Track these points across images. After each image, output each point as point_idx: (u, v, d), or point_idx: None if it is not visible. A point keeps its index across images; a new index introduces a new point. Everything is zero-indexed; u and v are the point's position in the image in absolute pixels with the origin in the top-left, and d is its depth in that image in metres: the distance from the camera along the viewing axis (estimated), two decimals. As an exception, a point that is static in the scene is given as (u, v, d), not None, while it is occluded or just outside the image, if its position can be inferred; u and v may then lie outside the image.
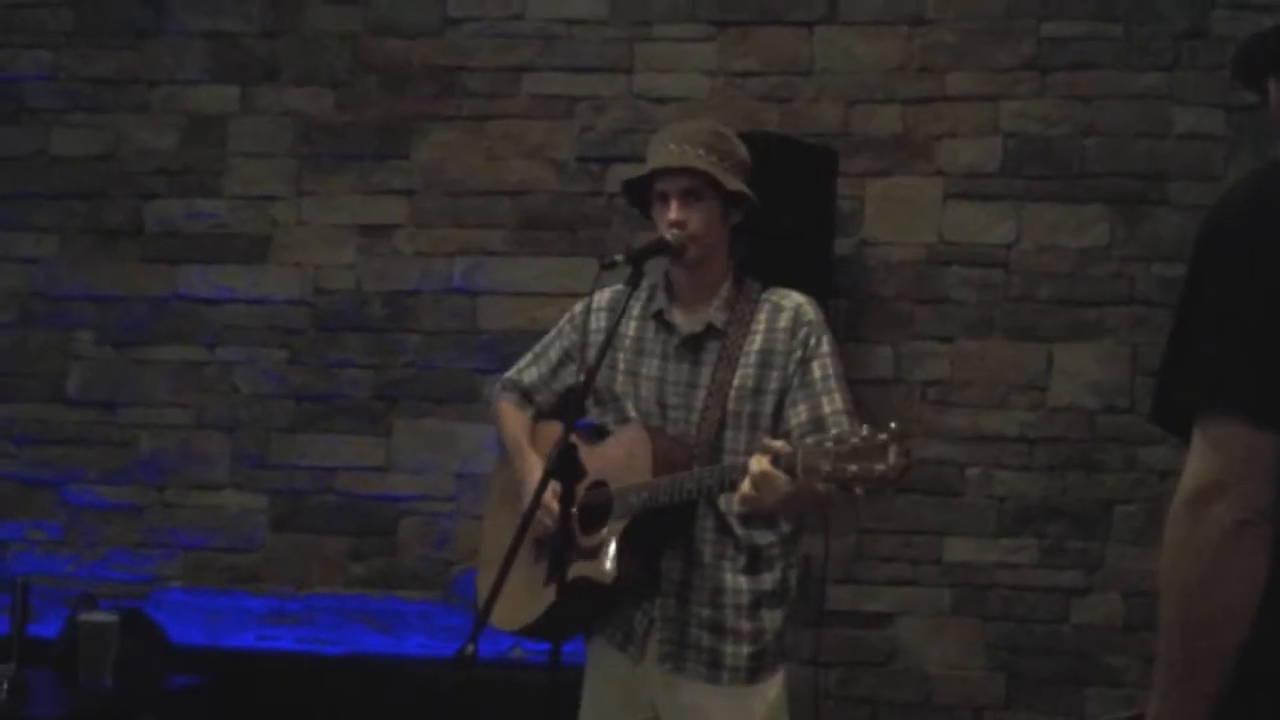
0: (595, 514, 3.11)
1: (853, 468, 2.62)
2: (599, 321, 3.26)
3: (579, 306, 3.34)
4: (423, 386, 5.04)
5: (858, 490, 2.70)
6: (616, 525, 3.06)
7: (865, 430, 2.68)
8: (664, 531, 3.08)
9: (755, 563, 3.09)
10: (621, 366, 3.22)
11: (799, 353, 3.09)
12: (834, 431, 2.81)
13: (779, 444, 2.77)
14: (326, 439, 5.07)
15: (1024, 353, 4.75)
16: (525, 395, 3.41)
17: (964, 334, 4.79)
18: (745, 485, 2.78)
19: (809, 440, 2.87)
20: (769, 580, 3.11)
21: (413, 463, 5.02)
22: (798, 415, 3.02)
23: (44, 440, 5.19)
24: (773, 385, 3.09)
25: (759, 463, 2.76)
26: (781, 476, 2.73)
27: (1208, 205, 1.97)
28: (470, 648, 2.67)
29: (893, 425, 2.63)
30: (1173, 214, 4.69)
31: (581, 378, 3.22)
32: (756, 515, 3.05)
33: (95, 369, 5.20)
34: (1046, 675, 4.69)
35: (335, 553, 5.04)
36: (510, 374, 3.46)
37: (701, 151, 3.11)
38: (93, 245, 5.22)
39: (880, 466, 2.59)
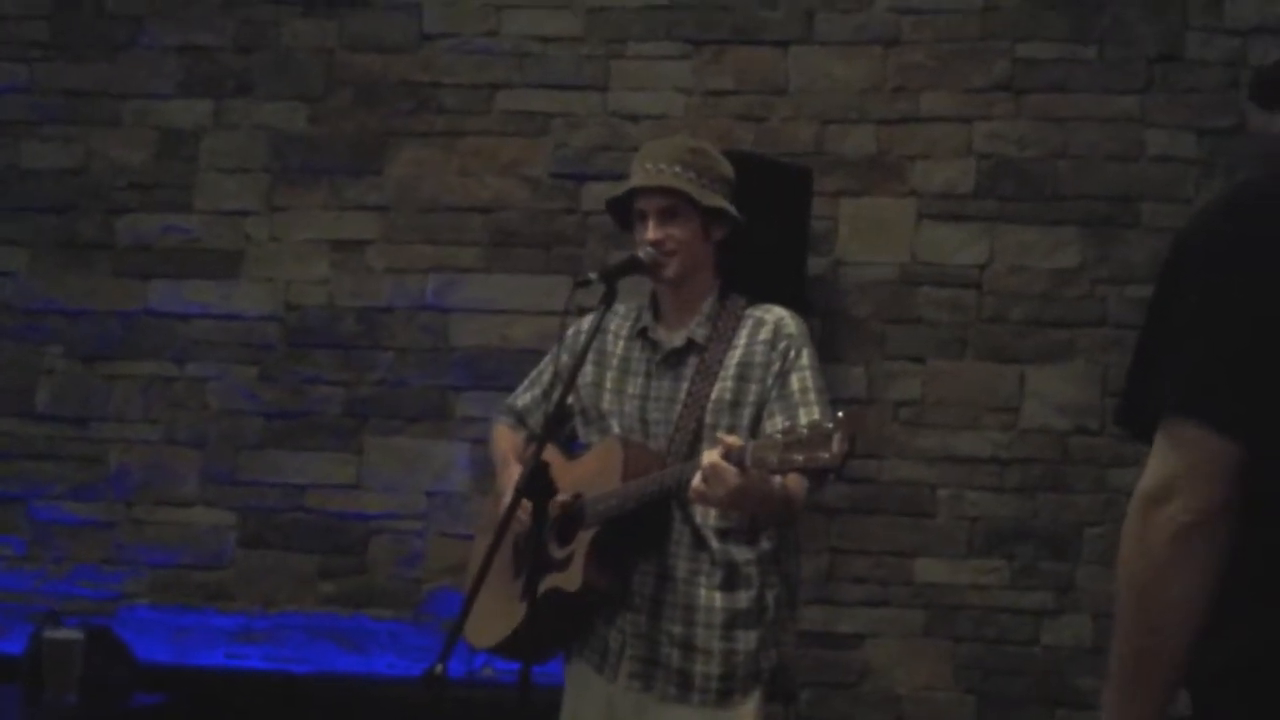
0: (570, 526, 3.10)
1: (799, 457, 2.64)
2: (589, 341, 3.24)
3: (571, 329, 3.34)
4: (394, 404, 5.02)
5: (805, 484, 2.81)
6: (586, 535, 3.05)
7: (814, 422, 2.70)
8: (636, 542, 3.06)
9: (731, 579, 3.07)
10: (609, 385, 3.22)
11: (778, 365, 3.08)
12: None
13: (731, 438, 2.78)
14: (297, 456, 5.04)
15: (996, 374, 4.76)
16: (519, 418, 3.42)
17: (936, 354, 4.80)
18: (696, 479, 2.78)
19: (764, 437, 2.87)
20: (745, 598, 3.08)
21: (383, 480, 5.00)
22: (774, 427, 2.99)
23: (11, 454, 5.15)
24: (751, 398, 3.08)
25: (709, 455, 2.77)
26: (730, 469, 2.73)
27: (1180, 228, 1.99)
28: (440, 667, 2.65)
29: (840, 414, 2.64)
30: (1145, 236, 4.70)
31: (569, 400, 3.22)
32: (734, 529, 3.05)
33: (64, 383, 5.16)
34: (1017, 696, 4.68)
35: (304, 571, 5.01)
36: (508, 399, 3.47)
37: (678, 169, 3.10)
38: (63, 259, 5.19)
39: (825, 455, 2.61)
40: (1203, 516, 1.81)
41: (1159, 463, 1.85)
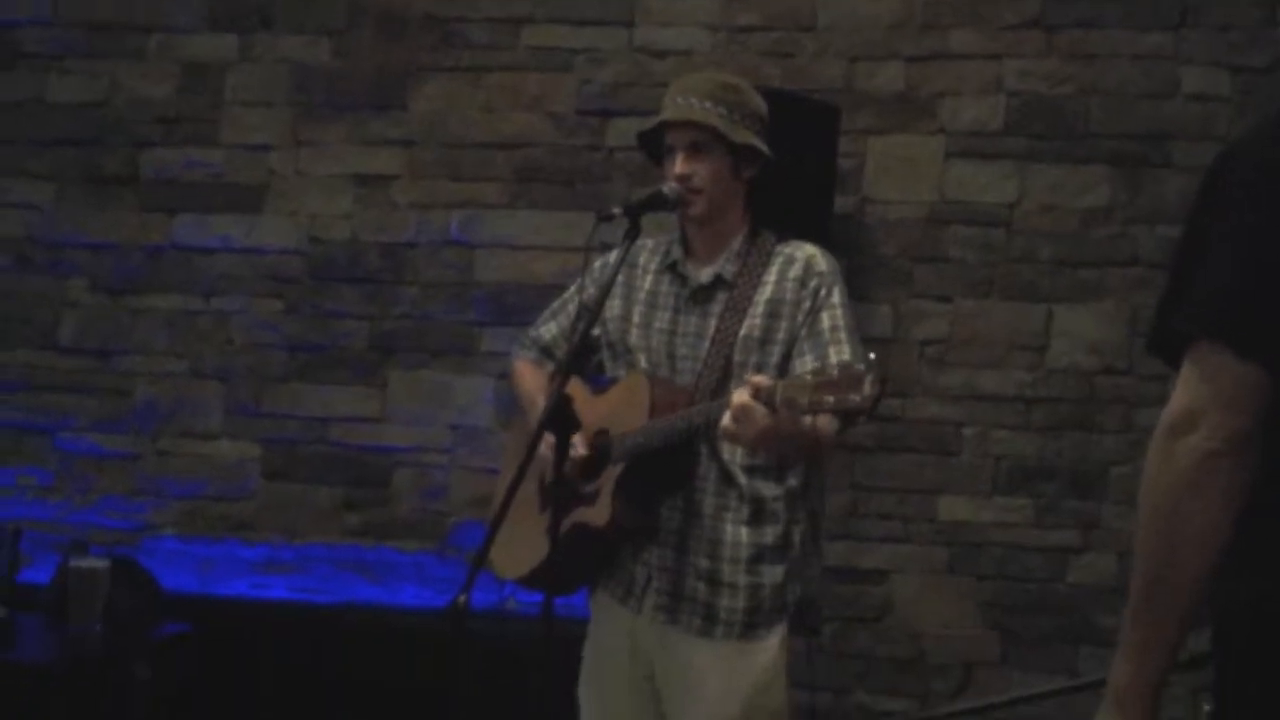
0: (598, 461, 3.10)
1: (829, 398, 2.61)
2: (618, 275, 3.21)
3: (598, 261, 3.31)
4: (418, 338, 5.02)
5: (835, 424, 2.77)
6: (613, 470, 3.05)
7: (845, 363, 2.68)
8: (663, 477, 3.06)
9: (758, 515, 3.06)
10: (636, 320, 3.20)
11: (808, 303, 3.05)
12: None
13: (761, 378, 2.76)
14: (321, 389, 5.05)
15: (1023, 313, 4.74)
16: (545, 351, 3.39)
17: (963, 294, 4.77)
18: (725, 418, 2.77)
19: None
20: (771, 534, 3.07)
21: (407, 414, 5.01)
22: (804, 365, 2.97)
23: (37, 386, 5.17)
24: (780, 335, 3.06)
25: (739, 395, 2.74)
26: (760, 409, 2.70)
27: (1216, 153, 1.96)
28: (463, 598, 2.65)
29: (871, 356, 2.62)
30: (1176, 176, 4.66)
31: (595, 332, 3.21)
32: (761, 466, 3.04)
33: (89, 316, 5.17)
34: (1040, 634, 4.69)
35: (329, 503, 5.03)
36: (530, 331, 3.44)
37: (709, 104, 3.07)
38: (88, 193, 5.19)
39: (855, 397, 2.58)
40: (1227, 445, 1.80)
41: (1185, 389, 1.83)
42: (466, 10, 5.03)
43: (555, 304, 3.44)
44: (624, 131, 4.70)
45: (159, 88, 5.17)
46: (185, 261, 5.13)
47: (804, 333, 3.04)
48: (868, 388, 2.58)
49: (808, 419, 2.78)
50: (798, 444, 2.91)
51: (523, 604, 4.56)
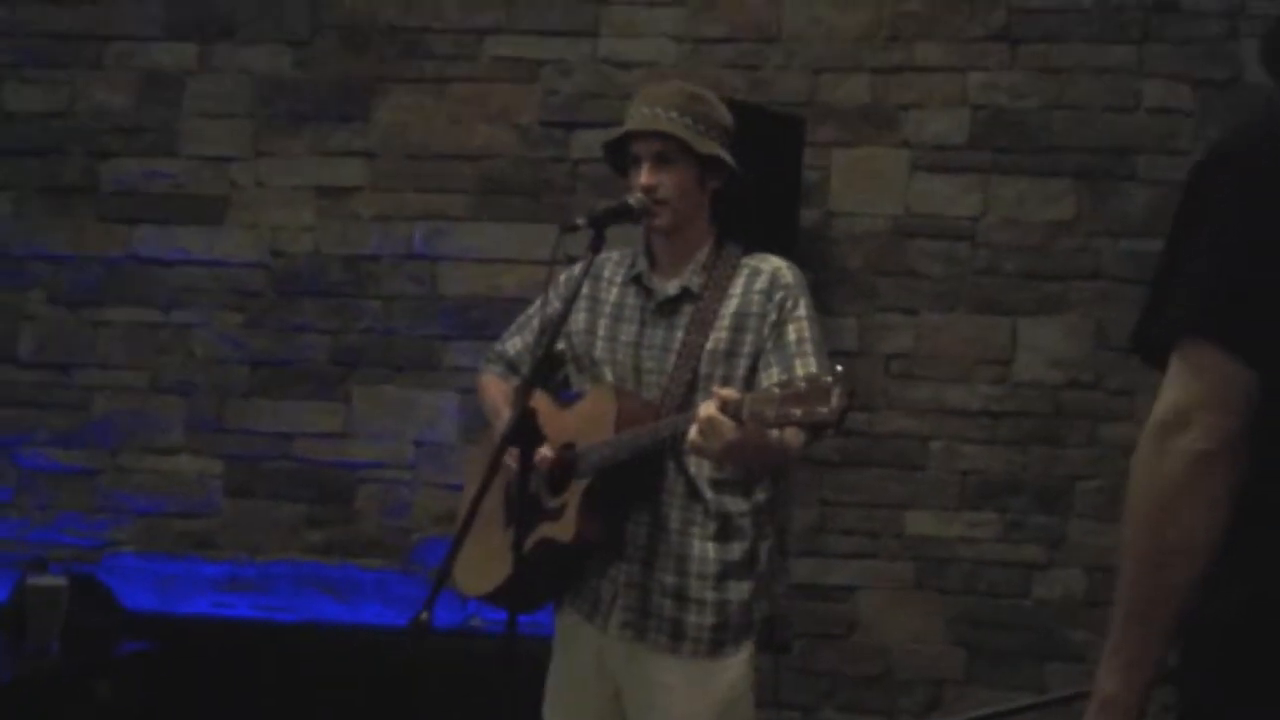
0: (564, 476, 3.07)
1: (796, 411, 2.61)
2: (583, 288, 3.20)
3: (563, 274, 3.29)
4: (382, 352, 4.98)
5: (802, 437, 2.79)
6: (579, 485, 3.03)
7: (812, 375, 2.67)
8: (629, 492, 3.04)
9: (725, 530, 3.05)
10: (601, 332, 3.18)
11: (774, 315, 3.04)
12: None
13: (728, 391, 2.75)
14: (283, 404, 5.00)
15: (989, 326, 4.73)
16: (511, 366, 3.36)
17: (929, 307, 4.76)
18: (692, 431, 2.75)
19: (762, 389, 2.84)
20: (738, 550, 3.05)
21: (371, 429, 4.97)
22: (770, 378, 2.96)
23: (-5, 402, 5.11)
24: (746, 348, 3.04)
25: (706, 408, 2.73)
26: (727, 422, 2.70)
27: (1175, 181, 1.95)
28: (424, 615, 2.62)
29: (838, 368, 2.62)
30: (1140, 189, 4.66)
31: (560, 346, 3.18)
32: (728, 480, 3.02)
33: (48, 330, 5.11)
34: (1007, 650, 4.68)
35: (291, 519, 4.98)
36: (496, 345, 3.42)
37: (674, 114, 3.05)
38: (47, 204, 5.13)
39: (822, 409, 2.57)
40: (1219, 445, 1.76)
41: (1175, 389, 1.80)
42: (430, 21, 5.00)
43: (521, 318, 3.42)
44: (589, 143, 4.68)
45: (119, 97, 5.12)
46: (145, 274, 5.08)
47: (770, 345, 3.03)
48: (835, 400, 2.57)
49: (774, 432, 2.77)
50: (764, 457, 2.90)
51: (487, 622, 4.53)
